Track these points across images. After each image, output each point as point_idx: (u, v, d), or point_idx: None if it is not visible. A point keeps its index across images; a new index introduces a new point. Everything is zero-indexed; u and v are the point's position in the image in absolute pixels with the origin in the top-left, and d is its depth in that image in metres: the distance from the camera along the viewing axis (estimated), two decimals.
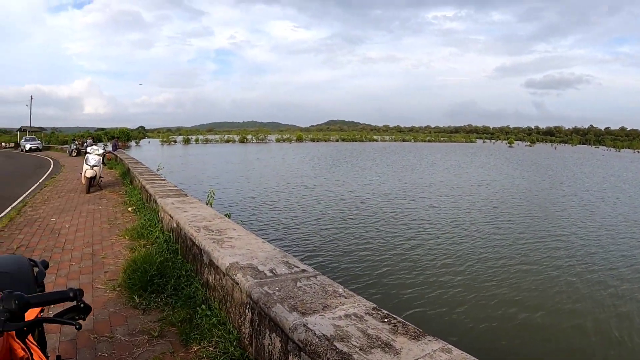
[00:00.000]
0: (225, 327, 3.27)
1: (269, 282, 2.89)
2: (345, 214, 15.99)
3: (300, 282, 2.89)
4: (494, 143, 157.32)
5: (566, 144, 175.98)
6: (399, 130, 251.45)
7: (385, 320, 2.30)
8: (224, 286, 3.43)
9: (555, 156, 70.90)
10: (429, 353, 1.95)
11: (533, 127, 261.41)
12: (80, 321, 1.39)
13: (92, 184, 12.64)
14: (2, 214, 9.72)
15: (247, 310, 2.96)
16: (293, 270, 3.14)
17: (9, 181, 17.23)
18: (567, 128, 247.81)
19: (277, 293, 2.69)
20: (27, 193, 13.32)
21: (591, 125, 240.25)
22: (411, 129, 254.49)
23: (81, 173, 13.15)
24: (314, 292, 2.71)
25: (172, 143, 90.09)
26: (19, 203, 11.22)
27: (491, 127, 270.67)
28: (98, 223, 8.22)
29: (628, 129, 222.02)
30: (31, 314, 1.46)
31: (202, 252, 4.06)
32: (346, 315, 2.35)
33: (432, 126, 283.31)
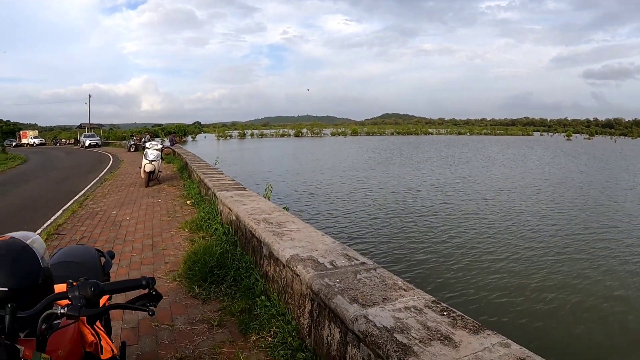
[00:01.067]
0: (284, 317, 3.45)
1: (329, 274, 3.04)
2: (399, 206, 16.16)
3: (360, 274, 3.03)
4: (551, 136, 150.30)
5: (626, 137, 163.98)
6: (454, 123, 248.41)
7: (445, 313, 2.39)
8: (284, 278, 3.63)
9: (614, 149, 66.99)
10: (487, 347, 2.02)
11: (592, 119, 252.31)
12: (152, 308, 1.51)
13: (151, 178, 13.42)
14: (65, 207, 10.52)
15: (306, 302, 3.13)
16: (353, 263, 3.28)
17: (71, 176, 18.61)
18: (627, 120, 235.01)
19: (337, 285, 2.83)
20: (88, 187, 14.34)
21: None
22: (467, 122, 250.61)
23: (140, 167, 13.93)
24: (374, 285, 2.83)
25: (228, 138, 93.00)
26: (80, 196, 12.11)
27: (548, 120, 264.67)
28: (158, 216, 8.74)
29: None
30: (101, 301, 1.67)
31: (262, 244, 4.29)
32: (406, 308, 2.46)
33: (488, 119, 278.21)
